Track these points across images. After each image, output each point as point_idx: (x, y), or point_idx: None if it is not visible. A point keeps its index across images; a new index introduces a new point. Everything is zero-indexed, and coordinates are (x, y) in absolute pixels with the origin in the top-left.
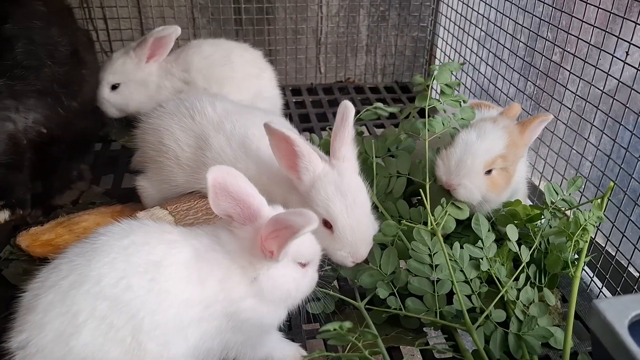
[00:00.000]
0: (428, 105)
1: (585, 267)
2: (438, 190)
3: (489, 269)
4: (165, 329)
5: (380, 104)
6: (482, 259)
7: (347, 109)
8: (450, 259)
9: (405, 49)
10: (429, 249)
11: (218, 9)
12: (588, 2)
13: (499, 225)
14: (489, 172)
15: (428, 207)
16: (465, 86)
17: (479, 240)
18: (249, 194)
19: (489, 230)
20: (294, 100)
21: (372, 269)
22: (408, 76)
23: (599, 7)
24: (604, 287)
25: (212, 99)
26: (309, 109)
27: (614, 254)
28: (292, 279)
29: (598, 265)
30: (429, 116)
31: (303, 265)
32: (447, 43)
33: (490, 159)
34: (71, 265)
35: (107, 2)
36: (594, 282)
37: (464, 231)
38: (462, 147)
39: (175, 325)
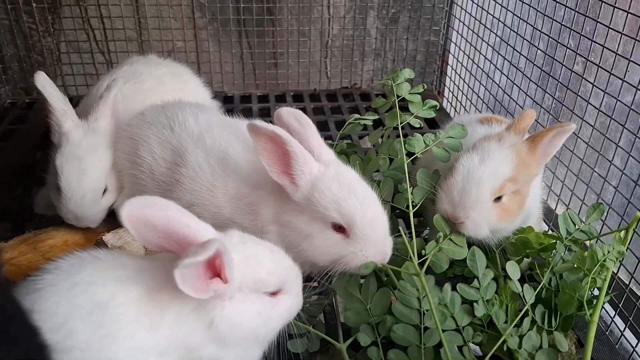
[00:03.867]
0: (401, 123)
1: (606, 305)
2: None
3: (485, 313)
4: None
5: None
6: (477, 302)
7: (293, 114)
8: (440, 303)
9: (417, 53)
10: (418, 290)
11: (221, 9)
12: (615, 5)
13: (509, 255)
14: (498, 199)
15: (406, 240)
16: (478, 96)
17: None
18: (182, 224)
19: (486, 267)
20: (294, 106)
21: (360, 305)
22: (419, 82)
23: (628, 12)
24: (626, 329)
25: (196, 110)
26: (310, 117)
27: (639, 294)
28: (257, 314)
29: (620, 305)
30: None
31: (273, 294)
32: (460, 48)
33: (497, 185)
34: None
35: (103, 0)
36: (615, 323)
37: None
38: (464, 175)
39: None
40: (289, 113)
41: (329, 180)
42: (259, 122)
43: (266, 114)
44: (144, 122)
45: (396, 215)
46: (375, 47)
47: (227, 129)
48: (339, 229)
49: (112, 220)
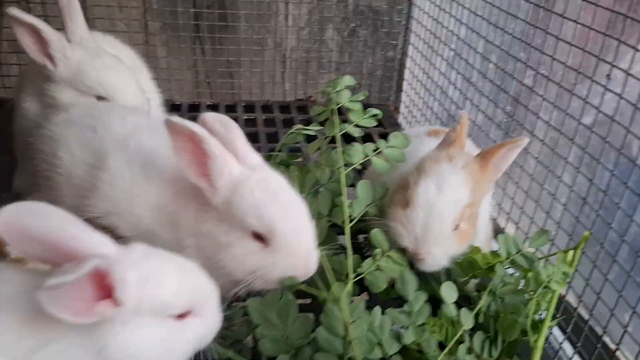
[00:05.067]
0: (340, 131)
1: (555, 329)
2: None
3: (415, 342)
4: None
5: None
6: (407, 327)
7: (218, 118)
8: (369, 329)
9: (376, 68)
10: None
11: (174, 14)
12: (565, 16)
13: (454, 276)
14: (456, 226)
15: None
16: (433, 111)
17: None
18: (69, 236)
19: (417, 290)
20: (244, 117)
21: (278, 332)
22: (377, 97)
23: (577, 23)
24: (575, 356)
25: (124, 112)
26: (260, 128)
27: (587, 319)
28: (159, 341)
29: (568, 330)
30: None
31: (182, 316)
32: (416, 63)
33: (458, 214)
34: None
35: None
36: (562, 349)
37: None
38: (425, 208)
39: None
40: (213, 117)
41: (252, 185)
42: (176, 119)
43: None
44: (67, 121)
45: (337, 231)
46: (333, 61)
47: (155, 133)
48: (260, 238)
49: None
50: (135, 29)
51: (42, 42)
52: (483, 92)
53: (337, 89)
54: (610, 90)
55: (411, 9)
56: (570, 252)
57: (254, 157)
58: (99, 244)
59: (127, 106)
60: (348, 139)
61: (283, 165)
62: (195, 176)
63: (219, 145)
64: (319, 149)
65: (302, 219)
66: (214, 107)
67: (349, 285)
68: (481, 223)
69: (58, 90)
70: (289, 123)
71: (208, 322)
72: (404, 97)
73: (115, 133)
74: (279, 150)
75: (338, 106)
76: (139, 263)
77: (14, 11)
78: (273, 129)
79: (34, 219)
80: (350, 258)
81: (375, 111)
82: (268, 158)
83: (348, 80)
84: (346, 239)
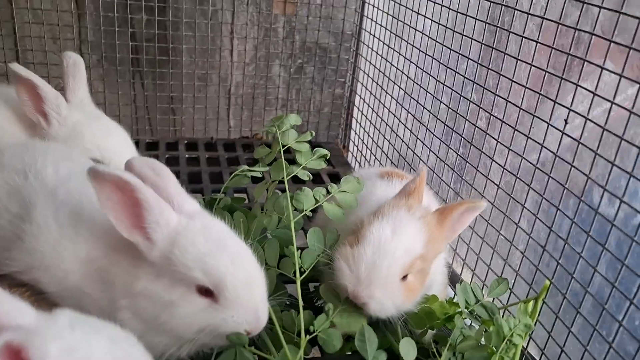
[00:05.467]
0: (287, 175)
1: None
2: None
3: None
4: None
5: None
6: None
7: (147, 162)
8: None
9: (323, 105)
10: None
11: (112, 46)
12: (519, 58)
13: (411, 327)
14: (404, 277)
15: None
16: (383, 151)
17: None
18: None
19: (378, 349)
20: (186, 155)
21: None
22: (325, 135)
23: (532, 65)
24: None
25: (59, 157)
26: (203, 167)
27: None
28: None
29: None
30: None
31: None
32: (365, 102)
33: (409, 262)
34: None
35: None
36: None
37: None
38: (375, 247)
39: None
40: (141, 162)
41: (193, 234)
42: (102, 167)
43: None
44: None
45: (285, 280)
46: (280, 97)
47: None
48: (206, 292)
49: None
50: None
51: (38, 98)
52: (434, 133)
53: (283, 129)
54: (568, 135)
55: (359, 46)
56: (531, 302)
57: (192, 204)
58: (15, 312)
59: (66, 150)
60: (297, 178)
61: (227, 211)
62: (127, 230)
63: (152, 193)
64: (266, 190)
65: (252, 269)
66: (154, 145)
67: (301, 351)
68: (436, 271)
69: None
70: (234, 162)
71: None
72: (353, 135)
73: (46, 182)
74: (224, 193)
75: (284, 147)
76: (63, 333)
77: (15, 67)
78: (217, 168)
79: None
80: (302, 314)
81: (324, 152)
82: (212, 202)
83: (294, 119)
84: (297, 294)
